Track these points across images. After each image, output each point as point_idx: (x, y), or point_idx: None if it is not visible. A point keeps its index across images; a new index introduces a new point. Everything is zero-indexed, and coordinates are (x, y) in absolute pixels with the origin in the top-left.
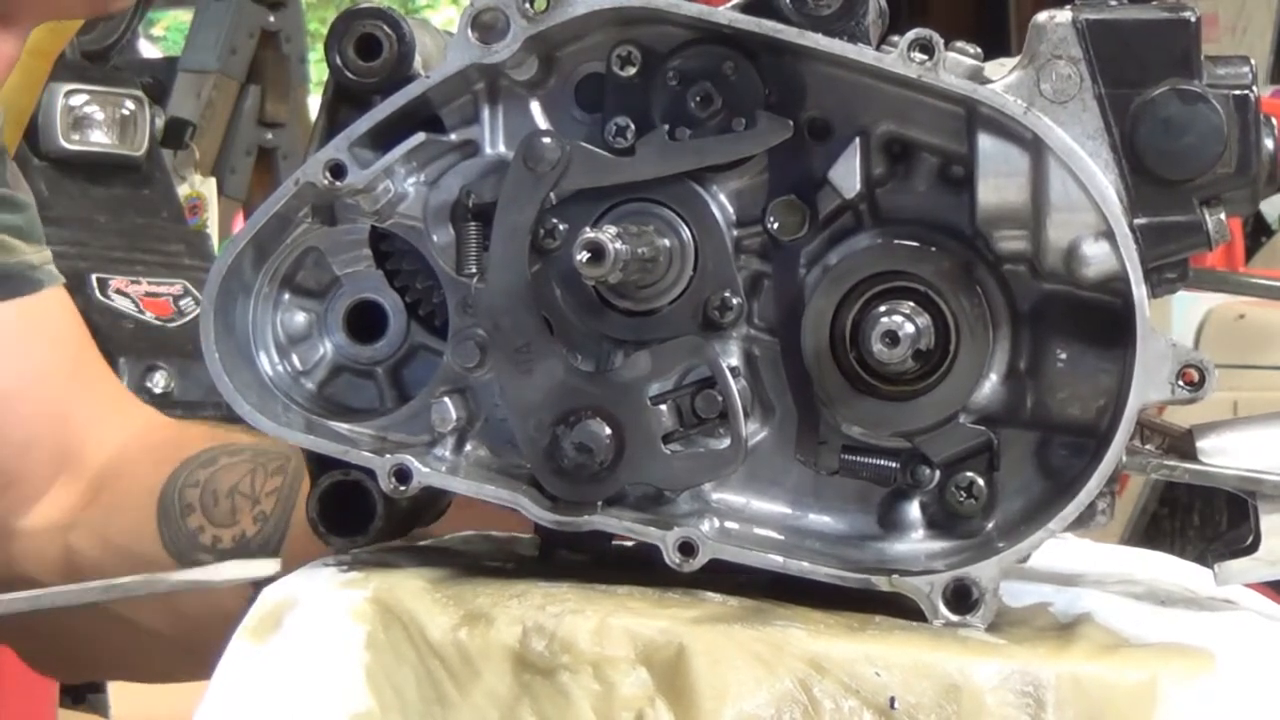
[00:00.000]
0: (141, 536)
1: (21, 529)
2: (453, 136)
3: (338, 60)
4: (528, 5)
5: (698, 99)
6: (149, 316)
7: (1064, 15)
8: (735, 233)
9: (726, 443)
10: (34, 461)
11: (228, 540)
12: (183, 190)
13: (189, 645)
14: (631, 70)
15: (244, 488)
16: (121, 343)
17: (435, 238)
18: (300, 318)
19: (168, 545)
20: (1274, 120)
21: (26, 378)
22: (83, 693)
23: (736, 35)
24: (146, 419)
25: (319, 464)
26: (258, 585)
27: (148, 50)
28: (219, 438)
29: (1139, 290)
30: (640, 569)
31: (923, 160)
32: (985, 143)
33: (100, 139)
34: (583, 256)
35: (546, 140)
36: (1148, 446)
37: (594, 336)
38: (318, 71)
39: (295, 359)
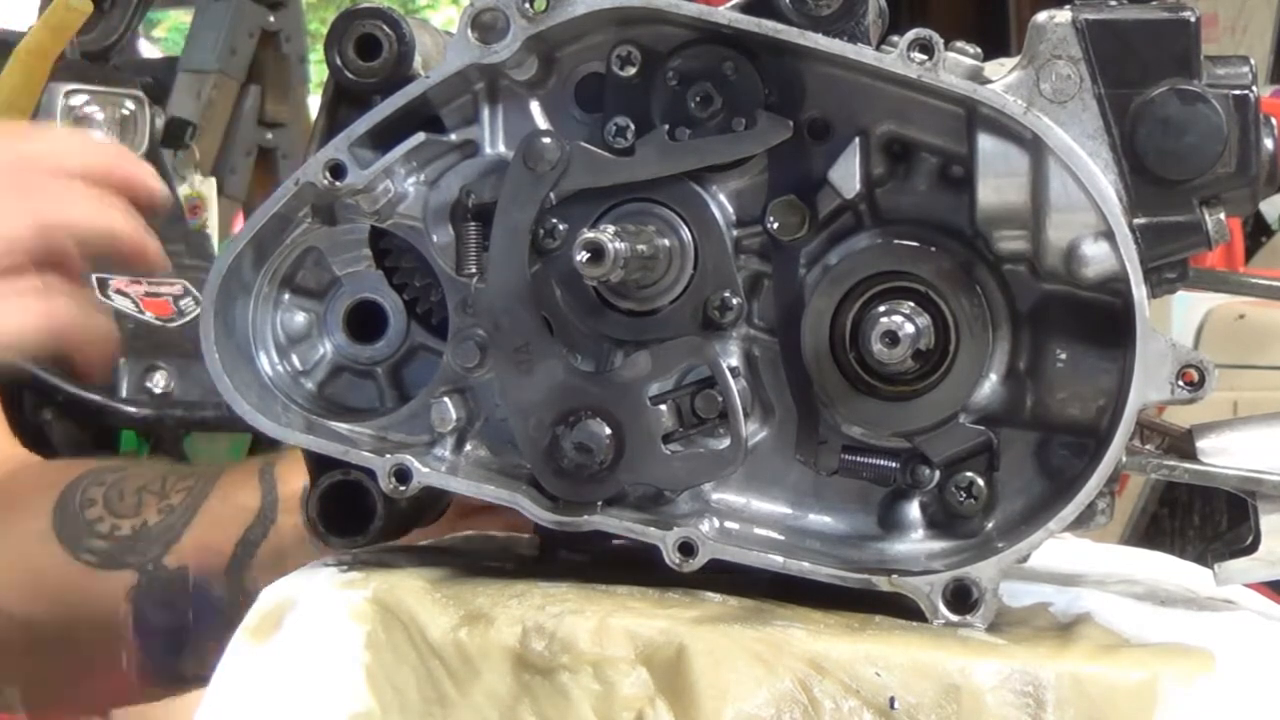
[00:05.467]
0: (32, 528)
1: None
2: (453, 136)
3: (338, 60)
4: (528, 5)
5: (698, 99)
6: (149, 316)
7: (1064, 15)
8: (735, 233)
9: (726, 443)
10: None
11: (126, 528)
12: (183, 190)
13: (76, 639)
14: (631, 70)
15: (153, 487)
16: (121, 343)
17: (435, 238)
18: (300, 318)
19: (58, 532)
20: (1274, 120)
21: None
22: None
23: (736, 35)
24: (28, 455)
25: (319, 464)
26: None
27: (148, 50)
28: (127, 461)
29: (1139, 290)
30: (640, 569)
31: (923, 160)
32: (985, 143)
33: (100, 139)
34: (582, 256)
35: (546, 140)
36: (1148, 446)
37: (594, 336)
38: (318, 71)
39: (295, 359)
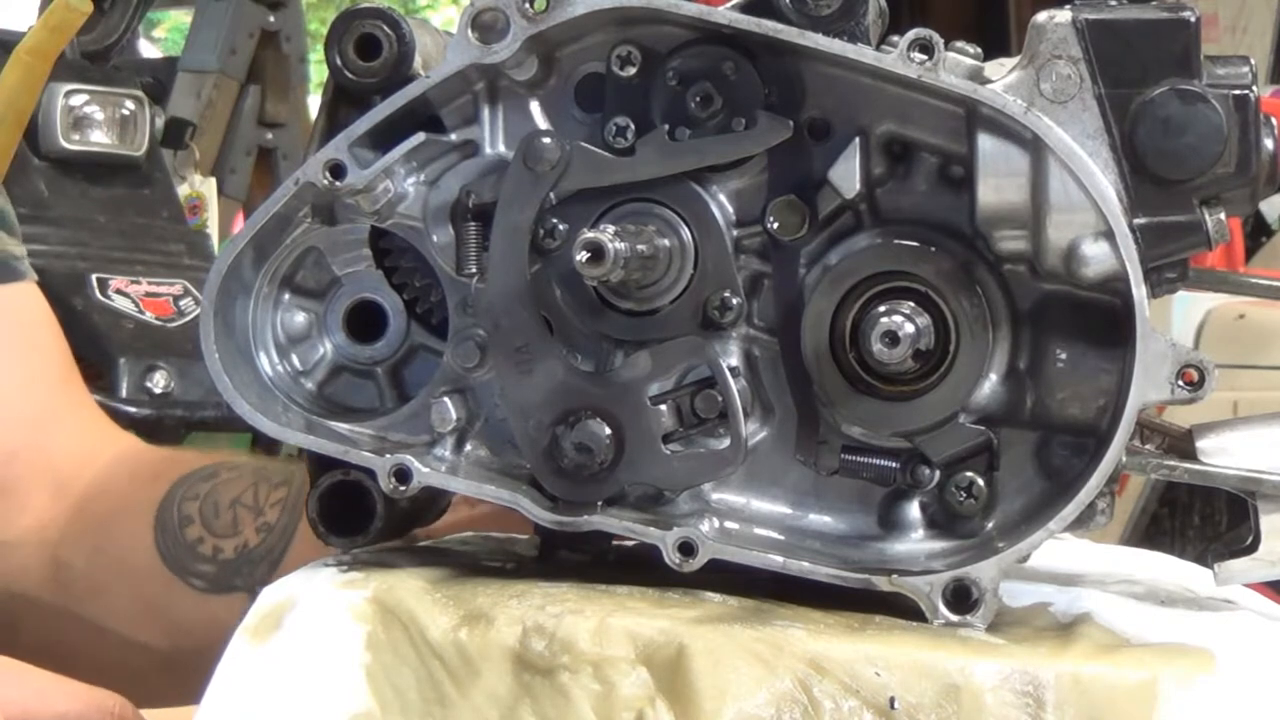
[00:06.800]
0: (136, 548)
1: (4, 541)
2: (453, 136)
3: (338, 60)
4: (528, 5)
5: (698, 99)
6: (149, 316)
7: (1064, 15)
8: (735, 233)
9: (726, 443)
10: (17, 471)
11: (229, 550)
12: (183, 190)
13: (186, 664)
14: (631, 70)
15: (246, 500)
16: (121, 343)
17: (435, 238)
18: (300, 318)
19: (164, 556)
20: (1273, 120)
21: (11, 382)
22: None
23: (736, 35)
24: (133, 441)
25: (319, 464)
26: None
27: (148, 50)
28: (216, 457)
29: (1139, 290)
30: (640, 569)
31: (923, 160)
32: (985, 143)
33: (100, 139)
34: (582, 256)
35: (546, 140)
36: (1148, 446)
37: (594, 336)
38: (318, 71)
39: (295, 359)
